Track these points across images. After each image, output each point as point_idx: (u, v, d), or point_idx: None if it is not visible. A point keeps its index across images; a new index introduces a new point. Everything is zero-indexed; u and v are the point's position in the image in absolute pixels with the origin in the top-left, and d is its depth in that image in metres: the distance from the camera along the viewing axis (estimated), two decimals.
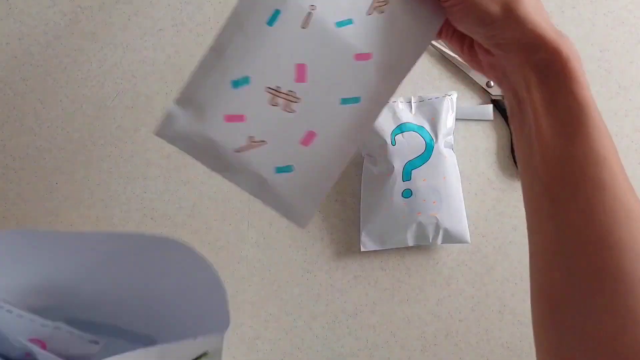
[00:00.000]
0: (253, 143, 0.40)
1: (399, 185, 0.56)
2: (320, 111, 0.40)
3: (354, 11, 0.39)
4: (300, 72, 0.39)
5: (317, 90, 0.39)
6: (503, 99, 0.61)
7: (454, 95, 0.58)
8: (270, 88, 0.39)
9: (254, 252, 0.58)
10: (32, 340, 0.44)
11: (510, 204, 0.60)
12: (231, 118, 0.39)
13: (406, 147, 0.56)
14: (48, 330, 0.45)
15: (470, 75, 0.61)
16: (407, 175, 0.56)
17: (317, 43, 0.39)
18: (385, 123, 0.57)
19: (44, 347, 0.45)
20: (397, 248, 0.59)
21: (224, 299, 0.40)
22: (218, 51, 0.38)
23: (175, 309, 0.47)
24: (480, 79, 0.60)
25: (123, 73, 0.59)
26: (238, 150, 0.40)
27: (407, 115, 0.57)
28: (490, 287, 0.60)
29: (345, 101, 0.40)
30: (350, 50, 0.39)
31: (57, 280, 0.47)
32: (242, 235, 0.58)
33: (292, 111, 0.40)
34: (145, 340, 0.49)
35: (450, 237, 0.57)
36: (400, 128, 0.56)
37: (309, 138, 0.40)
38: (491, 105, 0.60)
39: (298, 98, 0.39)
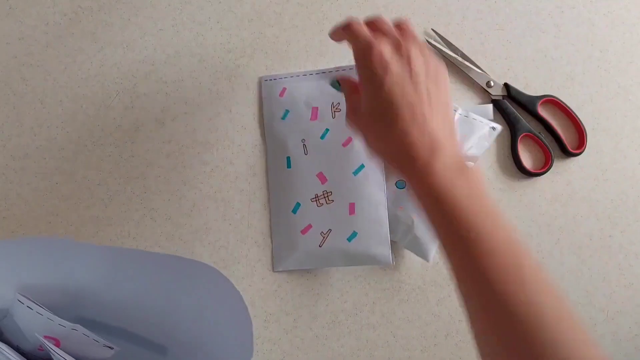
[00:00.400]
0: (324, 235, 0.56)
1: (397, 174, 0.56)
2: (347, 188, 0.56)
3: (325, 122, 0.57)
4: (322, 178, 0.56)
5: (337, 179, 0.56)
6: (503, 98, 0.61)
7: (498, 128, 0.58)
8: (312, 199, 0.56)
9: (254, 252, 0.58)
10: (46, 337, 0.45)
11: (510, 204, 0.60)
12: (304, 230, 0.56)
13: None
14: (65, 330, 0.46)
15: (470, 76, 0.61)
16: None
17: (319, 155, 0.57)
18: None
19: (57, 344, 0.45)
20: (397, 247, 0.59)
21: (249, 331, 0.42)
22: (274, 199, 0.58)
23: (194, 327, 0.47)
24: (481, 78, 0.60)
25: (123, 73, 0.59)
26: (320, 245, 0.56)
27: None
28: None
29: (356, 172, 0.56)
30: (338, 144, 0.56)
31: (82, 284, 0.47)
32: (242, 235, 0.58)
33: (332, 202, 0.56)
34: (158, 349, 0.49)
35: (415, 246, 0.57)
36: None
37: (352, 208, 0.56)
38: (491, 105, 0.60)
39: (330, 192, 0.56)
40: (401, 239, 0.57)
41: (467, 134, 0.57)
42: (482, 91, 0.61)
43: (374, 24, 0.45)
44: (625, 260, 0.61)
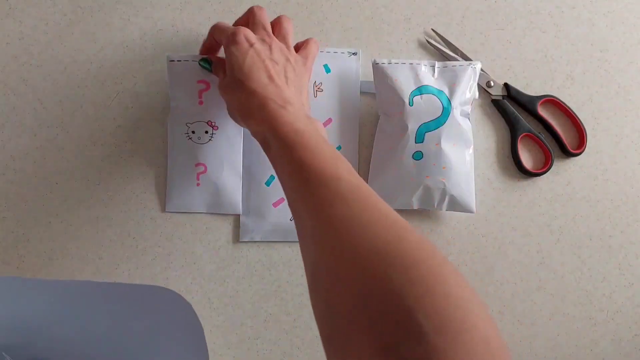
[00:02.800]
0: None
1: (411, 147, 0.56)
2: None
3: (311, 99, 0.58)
4: None
5: None
6: (503, 98, 0.61)
7: (478, 65, 0.58)
8: None
9: (254, 252, 0.58)
10: None
11: (510, 204, 0.60)
12: (276, 203, 0.58)
13: (423, 109, 0.56)
14: None
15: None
16: (419, 137, 0.56)
17: None
18: (405, 83, 0.56)
19: None
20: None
21: (201, 336, 0.43)
22: (247, 170, 0.58)
23: (149, 352, 0.47)
24: (481, 78, 0.60)
25: (123, 73, 0.59)
26: (291, 219, 0.57)
27: (429, 78, 0.57)
28: (491, 287, 0.60)
29: None
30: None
31: (31, 323, 0.46)
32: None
33: None
34: None
35: (456, 205, 0.57)
36: (420, 90, 0.56)
37: None
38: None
39: None
40: (439, 204, 0.57)
41: (455, 81, 0.57)
42: (482, 91, 0.61)
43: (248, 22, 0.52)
44: (625, 260, 0.61)
